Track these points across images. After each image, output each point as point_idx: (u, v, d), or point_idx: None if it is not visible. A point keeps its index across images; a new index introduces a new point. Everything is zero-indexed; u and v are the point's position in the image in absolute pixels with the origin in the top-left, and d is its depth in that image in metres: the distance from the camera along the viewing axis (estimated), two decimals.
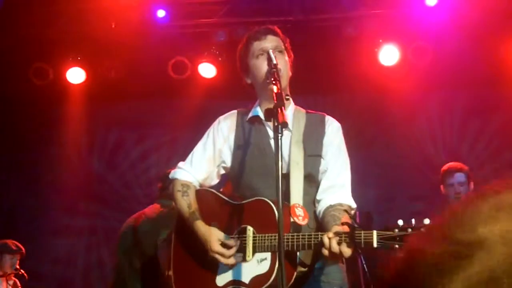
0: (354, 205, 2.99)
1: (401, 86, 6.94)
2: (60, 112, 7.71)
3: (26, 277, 5.97)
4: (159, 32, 6.96)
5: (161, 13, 6.82)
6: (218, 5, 6.79)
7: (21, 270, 5.98)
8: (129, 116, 7.87)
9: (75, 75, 7.24)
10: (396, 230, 2.46)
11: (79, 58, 7.17)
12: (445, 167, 5.34)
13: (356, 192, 3.06)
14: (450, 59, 6.85)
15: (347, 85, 7.18)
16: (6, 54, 7.03)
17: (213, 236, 2.88)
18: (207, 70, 7.11)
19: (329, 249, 2.55)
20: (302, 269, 2.87)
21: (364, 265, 5.05)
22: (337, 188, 2.99)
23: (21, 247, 6.04)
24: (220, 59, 7.05)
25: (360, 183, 3.14)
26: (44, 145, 7.79)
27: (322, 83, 6.99)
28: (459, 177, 5.21)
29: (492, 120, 7.19)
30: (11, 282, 5.90)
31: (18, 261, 6.00)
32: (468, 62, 6.85)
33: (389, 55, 6.81)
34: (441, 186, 5.35)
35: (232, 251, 2.86)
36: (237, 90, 6.84)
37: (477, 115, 7.30)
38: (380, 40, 6.79)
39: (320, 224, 2.95)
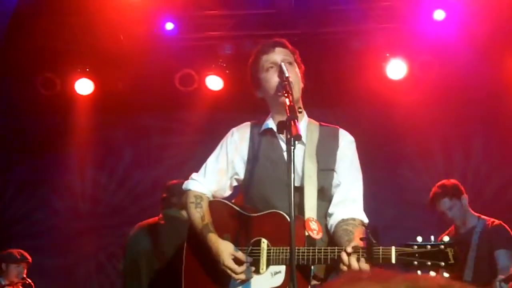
0: (366, 220, 2.98)
1: (408, 100, 6.96)
2: (67, 123, 7.72)
3: (33, 286, 5.94)
4: (167, 44, 6.98)
5: (169, 26, 6.85)
6: (226, 18, 6.82)
7: (28, 280, 5.95)
8: (136, 127, 7.88)
9: (83, 86, 7.25)
10: (415, 247, 2.45)
11: (87, 69, 7.20)
12: (431, 193, 5.26)
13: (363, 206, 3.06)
14: (457, 74, 6.88)
15: (353, 99, 7.20)
16: (15, 64, 7.05)
17: (226, 251, 2.88)
18: (214, 82, 7.13)
19: (348, 265, 2.55)
20: (316, 282, 2.86)
21: None
22: (349, 202, 2.99)
23: (27, 255, 6.01)
24: (227, 71, 7.07)
25: (366, 196, 3.12)
26: (51, 155, 7.79)
27: (329, 97, 7.00)
28: (445, 204, 5.16)
29: (498, 135, 7.17)
30: None
31: (25, 270, 5.97)
32: (475, 77, 6.87)
33: (396, 69, 6.82)
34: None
35: (244, 267, 2.85)
36: (244, 103, 6.89)
37: (484, 130, 7.29)
38: (387, 54, 6.81)
39: (331, 238, 2.95)
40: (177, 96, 7.27)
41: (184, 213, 4.66)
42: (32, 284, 5.95)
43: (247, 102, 6.78)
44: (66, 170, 7.75)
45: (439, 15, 6.47)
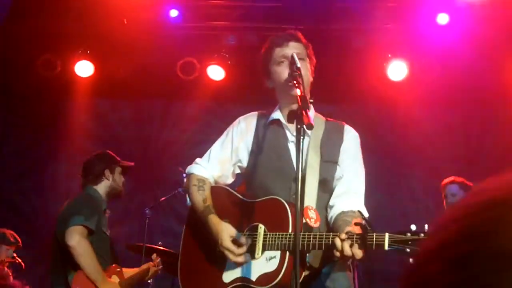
0: (366, 214, 2.99)
1: (407, 101, 6.99)
2: (66, 105, 7.72)
3: (23, 266, 5.89)
4: (170, 31, 7.00)
5: (174, 13, 6.86)
6: (231, 9, 6.83)
7: (18, 259, 5.89)
8: (135, 113, 7.88)
9: (84, 68, 7.26)
10: (409, 234, 2.47)
11: (88, 52, 7.20)
12: (442, 182, 5.56)
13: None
14: (458, 77, 6.92)
15: (354, 97, 7.24)
16: (16, 44, 7.04)
17: (225, 232, 2.89)
18: (215, 72, 7.14)
19: (341, 251, 2.57)
20: (308, 272, 2.88)
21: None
22: (351, 195, 3.00)
23: (19, 239, 5.96)
24: (229, 62, 7.09)
25: (366, 194, 3.14)
26: (49, 136, 7.78)
27: (330, 93, 7.01)
28: (451, 188, 5.42)
29: (498, 137, 7.21)
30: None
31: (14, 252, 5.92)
32: (477, 82, 6.91)
33: (397, 70, 6.86)
34: (444, 202, 5.46)
35: (242, 249, 2.87)
36: (244, 94, 6.98)
37: (484, 132, 7.33)
38: (389, 55, 6.84)
39: (331, 229, 2.95)
40: (178, 84, 7.28)
41: (99, 188, 4.75)
42: (23, 264, 5.90)
43: (247, 93, 6.90)
44: (64, 151, 7.73)
45: (442, 19, 6.51)
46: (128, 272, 4.90)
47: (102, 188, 4.81)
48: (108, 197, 4.85)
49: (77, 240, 4.29)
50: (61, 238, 4.40)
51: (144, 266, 5.11)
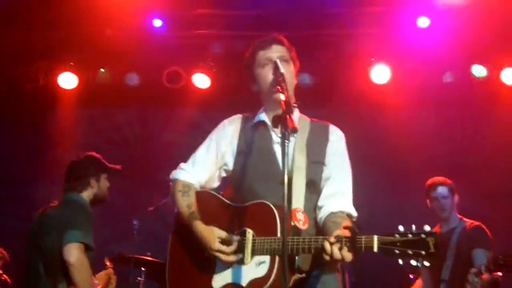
0: (355, 214, 3.01)
1: (392, 103, 7.06)
2: (49, 117, 7.67)
3: (9, 282, 5.82)
4: (155, 41, 7.00)
5: (157, 23, 6.87)
6: (216, 18, 6.86)
7: (4, 275, 5.83)
8: (120, 123, 7.86)
9: (67, 80, 7.22)
10: (397, 236, 2.49)
11: (71, 63, 7.17)
12: (428, 181, 5.48)
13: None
14: (440, 79, 7.00)
15: (340, 100, 7.29)
16: None
17: (213, 235, 2.88)
18: (201, 80, 7.16)
19: (330, 254, 2.58)
20: (299, 275, 2.89)
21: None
22: (339, 195, 3.02)
23: (5, 254, 5.89)
24: (214, 70, 7.11)
25: (353, 195, 3.16)
26: (32, 148, 7.72)
27: (316, 96, 7.05)
28: (442, 190, 5.34)
29: (479, 138, 7.28)
30: None
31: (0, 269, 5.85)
32: (458, 83, 6.99)
33: (380, 73, 6.94)
34: (427, 201, 5.44)
35: (233, 247, 2.86)
36: (230, 102, 6.98)
37: (468, 134, 7.39)
38: (373, 59, 6.91)
39: (320, 230, 2.97)
40: (164, 92, 7.27)
41: (83, 195, 4.63)
42: (9, 280, 5.82)
43: (233, 101, 6.90)
44: (48, 163, 7.68)
45: (423, 22, 6.59)
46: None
47: (86, 195, 4.67)
48: (91, 204, 4.72)
49: (76, 257, 4.19)
50: (53, 247, 4.30)
51: (104, 277, 5.05)
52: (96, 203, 4.78)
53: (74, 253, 4.19)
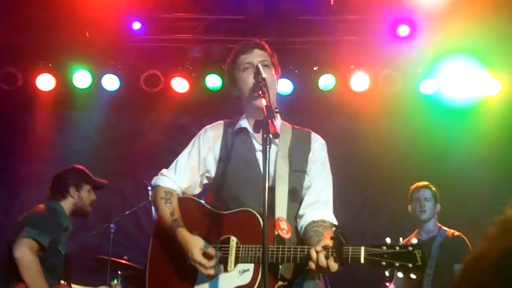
0: (335, 222, 3.02)
1: (371, 111, 7.12)
2: (27, 119, 7.57)
3: None
4: (133, 44, 6.96)
5: (136, 25, 6.82)
6: (195, 21, 6.84)
7: None
8: (98, 126, 7.78)
9: (45, 82, 7.15)
10: (384, 248, 2.50)
11: (50, 65, 7.10)
12: (413, 186, 5.50)
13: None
14: (417, 88, 7.08)
15: (318, 108, 7.32)
16: None
17: (196, 245, 2.86)
18: (180, 84, 7.12)
19: (316, 263, 2.58)
20: (282, 283, 2.88)
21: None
22: (320, 204, 3.03)
23: None
24: (193, 74, 7.08)
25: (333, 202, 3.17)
26: (9, 151, 7.61)
27: (295, 104, 7.07)
28: (425, 192, 5.37)
29: (459, 145, 7.35)
30: None
31: None
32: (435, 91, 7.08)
33: (359, 81, 6.99)
34: (409, 206, 5.47)
35: (213, 262, 2.84)
36: (208, 106, 6.97)
37: (446, 138, 7.46)
38: (352, 66, 6.96)
39: (301, 239, 2.97)
40: (142, 96, 7.23)
41: (62, 203, 4.69)
42: None
43: (211, 106, 6.89)
44: (25, 164, 7.58)
45: (403, 30, 6.64)
46: None
47: (66, 204, 4.73)
48: (72, 215, 4.77)
49: (22, 252, 4.22)
50: (12, 247, 4.33)
51: None
52: (77, 214, 4.84)
53: (21, 248, 4.24)
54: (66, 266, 4.73)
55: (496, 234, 1.14)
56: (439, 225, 5.37)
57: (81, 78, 7.17)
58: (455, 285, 1.16)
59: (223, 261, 2.87)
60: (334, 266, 2.56)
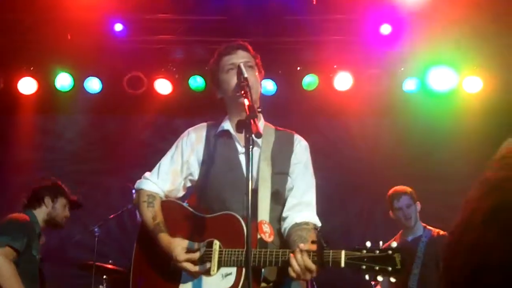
0: (319, 224, 3.02)
1: (354, 110, 7.14)
2: (8, 123, 7.50)
3: None
4: (116, 46, 6.91)
5: (118, 27, 6.77)
6: (178, 23, 6.79)
7: None
8: (81, 129, 7.72)
9: (27, 85, 7.09)
10: (364, 251, 2.50)
11: (32, 68, 7.04)
12: (390, 191, 5.45)
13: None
14: (401, 87, 7.10)
15: (302, 106, 7.32)
16: None
17: (178, 246, 2.85)
18: (163, 86, 7.10)
19: (296, 268, 2.58)
20: (265, 284, 2.88)
21: None
22: (303, 206, 3.02)
23: None
24: (176, 76, 7.06)
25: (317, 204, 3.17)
26: None
27: (278, 104, 7.06)
28: (405, 200, 5.33)
29: (443, 143, 7.38)
30: None
31: None
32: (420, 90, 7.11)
33: (343, 80, 7.00)
34: (390, 212, 5.46)
35: (198, 255, 2.84)
36: (192, 108, 6.94)
37: (429, 139, 7.49)
38: (335, 66, 6.97)
39: (284, 241, 2.97)
40: (125, 98, 7.18)
41: (36, 212, 4.72)
42: None
43: (195, 107, 6.86)
44: (7, 169, 7.51)
45: (385, 29, 6.66)
46: None
47: (40, 213, 4.76)
48: (45, 224, 4.79)
49: None
50: None
51: None
52: (51, 225, 4.87)
53: None
54: (41, 271, 4.74)
55: (479, 195, 1.17)
56: (424, 224, 5.38)
57: (63, 81, 7.11)
58: (443, 255, 1.22)
59: (206, 264, 2.86)
60: (314, 270, 2.57)
